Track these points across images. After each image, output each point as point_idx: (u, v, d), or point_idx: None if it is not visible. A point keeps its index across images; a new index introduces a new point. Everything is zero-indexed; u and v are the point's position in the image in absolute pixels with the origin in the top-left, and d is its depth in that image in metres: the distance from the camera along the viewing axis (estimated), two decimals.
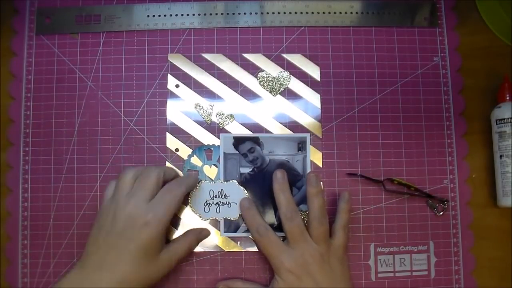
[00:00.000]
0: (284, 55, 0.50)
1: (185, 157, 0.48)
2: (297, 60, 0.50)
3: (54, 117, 0.49)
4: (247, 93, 0.50)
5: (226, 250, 0.47)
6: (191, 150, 0.48)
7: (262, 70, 0.50)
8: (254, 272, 0.47)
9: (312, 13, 0.51)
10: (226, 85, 0.50)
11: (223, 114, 0.49)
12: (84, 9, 0.50)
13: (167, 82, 0.50)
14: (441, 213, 0.48)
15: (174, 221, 0.47)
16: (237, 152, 0.48)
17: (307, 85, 0.50)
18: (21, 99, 0.49)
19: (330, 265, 0.42)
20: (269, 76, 0.50)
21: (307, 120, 0.49)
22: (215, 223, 0.47)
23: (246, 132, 0.49)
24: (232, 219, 0.47)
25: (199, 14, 0.50)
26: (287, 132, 0.49)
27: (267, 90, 0.50)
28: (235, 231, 0.47)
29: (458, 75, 0.51)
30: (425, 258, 0.48)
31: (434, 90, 0.50)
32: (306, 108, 0.49)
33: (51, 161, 0.48)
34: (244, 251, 0.47)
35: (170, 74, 0.50)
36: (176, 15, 0.50)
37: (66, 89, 0.49)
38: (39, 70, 0.49)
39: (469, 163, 0.50)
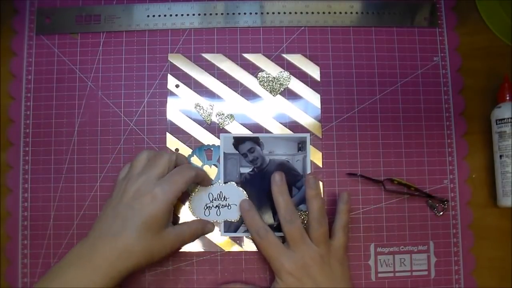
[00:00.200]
0: (284, 55, 0.50)
1: None
2: (297, 60, 0.50)
3: (54, 117, 0.49)
4: (247, 93, 0.50)
5: (226, 250, 0.47)
6: (191, 150, 0.48)
7: (262, 70, 0.50)
8: (254, 272, 0.47)
9: (312, 13, 0.51)
10: (226, 85, 0.50)
11: (223, 114, 0.49)
12: (84, 9, 0.50)
13: (167, 82, 0.50)
14: (441, 213, 0.48)
15: (175, 221, 0.47)
16: (237, 152, 0.48)
17: (307, 85, 0.50)
18: (21, 99, 0.49)
19: (330, 266, 0.42)
20: (269, 76, 0.50)
21: (307, 120, 0.49)
22: (216, 223, 0.47)
23: (246, 132, 0.49)
24: (233, 221, 0.47)
25: (199, 14, 0.50)
26: (287, 132, 0.49)
27: (267, 90, 0.50)
28: (235, 231, 0.47)
29: (458, 75, 0.51)
30: (425, 258, 0.48)
31: (434, 90, 0.50)
32: (306, 108, 0.49)
33: (51, 161, 0.48)
34: (244, 251, 0.47)
35: (170, 74, 0.50)
36: (176, 15, 0.50)
37: (66, 89, 0.49)
38: (39, 70, 0.49)
39: (469, 163, 0.50)
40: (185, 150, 0.48)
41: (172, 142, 0.48)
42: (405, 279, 0.48)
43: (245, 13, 0.51)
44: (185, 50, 0.50)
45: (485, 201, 0.49)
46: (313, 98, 0.50)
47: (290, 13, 0.51)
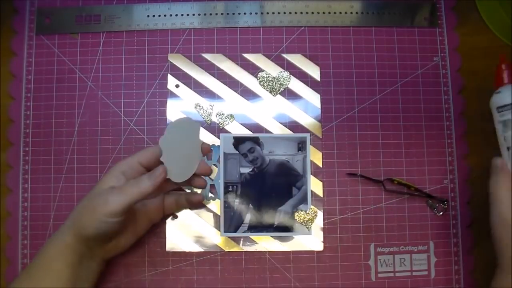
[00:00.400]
0: (284, 55, 0.50)
1: None
2: (297, 60, 0.50)
3: (54, 117, 0.49)
4: (247, 93, 0.50)
5: (226, 250, 0.47)
6: None
7: (262, 70, 0.50)
8: (254, 272, 0.47)
9: (312, 13, 0.51)
10: (226, 85, 0.50)
11: (223, 114, 0.49)
12: (84, 9, 0.50)
13: (167, 82, 0.50)
14: (441, 213, 0.48)
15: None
16: (237, 152, 0.48)
17: (307, 85, 0.50)
18: (21, 99, 0.49)
19: None
20: (269, 76, 0.50)
21: (307, 120, 0.49)
22: (216, 223, 0.47)
23: (246, 132, 0.49)
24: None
25: (199, 14, 0.50)
26: (287, 132, 0.49)
27: (267, 90, 0.50)
28: (235, 231, 0.47)
29: (458, 75, 0.51)
30: (425, 258, 0.48)
31: (434, 90, 0.50)
32: (306, 108, 0.49)
33: (51, 161, 0.48)
34: (244, 251, 0.47)
35: (170, 74, 0.50)
36: (176, 15, 0.50)
37: (66, 89, 0.49)
38: (39, 70, 0.49)
39: (469, 163, 0.50)
40: None
41: None
42: (405, 279, 0.48)
43: (245, 13, 0.51)
44: (185, 50, 0.50)
45: (485, 201, 0.49)
46: (313, 98, 0.50)
47: (290, 13, 0.51)
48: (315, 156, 0.49)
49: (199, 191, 0.47)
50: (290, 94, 0.50)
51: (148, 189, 0.39)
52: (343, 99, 0.50)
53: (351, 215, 0.48)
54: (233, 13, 0.51)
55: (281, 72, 0.50)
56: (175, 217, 0.47)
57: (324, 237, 0.47)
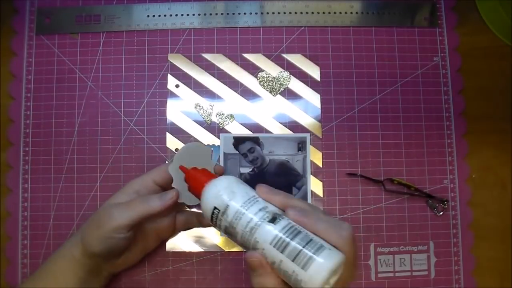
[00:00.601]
0: (284, 55, 0.50)
1: None
2: (297, 60, 0.50)
3: (54, 117, 0.49)
4: (247, 93, 0.50)
5: (226, 250, 0.47)
6: None
7: (262, 70, 0.50)
8: None
9: (312, 13, 0.51)
10: (226, 85, 0.50)
11: (223, 114, 0.49)
12: (84, 9, 0.50)
13: (167, 82, 0.50)
14: (441, 213, 0.48)
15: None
16: (237, 152, 0.48)
17: (307, 85, 0.50)
18: (21, 99, 0.49)
19: None
20: (269, 76, 0.50)
21: (307, 120, 0.49)
22: None
23: (246, 132, 0.49)
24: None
25: (199, 14, 0.50)
26: (287, 132, 0.49)
27: (267, 90, 0.50)
28: None
29: (458, 75, 0.51)
30: (425, 258, 0.48)
31: (434, 90, 0.50)
32: (306, 108, 0.49)
33: (51, 161, 0.48)
34: (244, 251, 0.47)
35: (170, 74, 0.50)
36: (176, 15, 0.50)
37: (66, 89, 0.49)
38: (39, 70, 0.49)
39: (469, 163, 0.50)
40: None
41: (172, 142, 0.48)
42: (405, 279, 0.48)
43: (245, 13, 0.51)
44: (185, 50, 0.50)
45: (485, 201, 0.49)
46: (313, 98, 0.50)
47: (290, 13, 0.51)
48: (315, 156, 0.49)
49: None
50: (290, 94, 0.50)
51: (156, 208, 0.38)
52: (343, 99, 0.50)
53: (351, 215, 0.48)
54: (233, 13, 0.51)
55: (281, 72, 0.50)
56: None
57: None
